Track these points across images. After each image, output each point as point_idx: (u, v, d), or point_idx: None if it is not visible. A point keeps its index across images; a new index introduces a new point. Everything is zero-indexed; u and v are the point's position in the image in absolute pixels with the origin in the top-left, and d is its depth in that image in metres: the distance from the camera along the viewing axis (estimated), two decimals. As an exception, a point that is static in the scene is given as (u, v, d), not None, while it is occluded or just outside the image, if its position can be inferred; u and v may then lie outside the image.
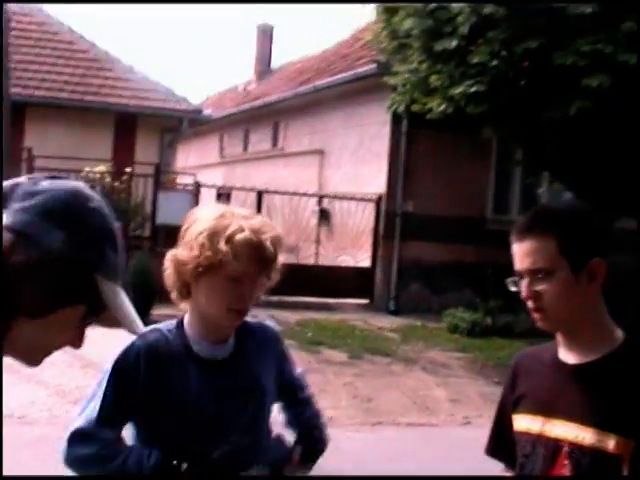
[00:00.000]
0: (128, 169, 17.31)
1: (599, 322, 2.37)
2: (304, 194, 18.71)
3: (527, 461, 2.40)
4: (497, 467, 2.66)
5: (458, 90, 12.51)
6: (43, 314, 1.38)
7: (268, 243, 2.53)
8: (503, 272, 2.39)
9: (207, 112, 21.81)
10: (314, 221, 18.75)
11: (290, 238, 16.41)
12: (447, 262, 17.51)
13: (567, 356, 2.39)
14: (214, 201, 18.30)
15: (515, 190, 18.56)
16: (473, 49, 12.18)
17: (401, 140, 17.36)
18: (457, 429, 9.53)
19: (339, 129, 19.83)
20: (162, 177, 17.87)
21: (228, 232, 2.50)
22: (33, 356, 1.46)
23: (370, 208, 17.93)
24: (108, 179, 16.79)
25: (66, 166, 15.00)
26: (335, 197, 18.64)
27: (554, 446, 2.32)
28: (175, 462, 2.54)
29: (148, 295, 13.23)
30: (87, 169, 16.38)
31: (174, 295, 2.66)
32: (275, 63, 31.70)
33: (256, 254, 2.52)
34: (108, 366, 2.63)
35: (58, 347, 1.47)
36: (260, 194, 18.27)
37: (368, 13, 15.98)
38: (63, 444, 2.64)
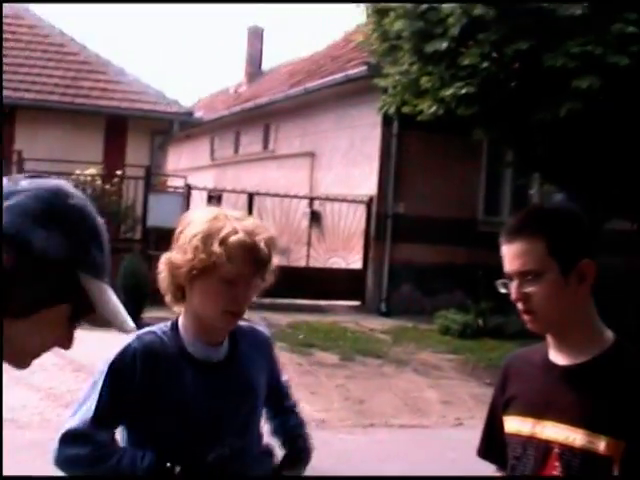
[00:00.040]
0: (119, 172, 17.27)
1: (589, 323, 2.37)
2: (295, 196, 18.70)
3: (518, 463, 2.40)
4: (489, 468, 2.67)
5: (449, 92, 12.53)
6: (27, 314, 1.37)
7: (262, 245, 2.53)
8: (494, 274, 2.39)
9: (198, 114, 21.77)
10: (305, 223, 18.74)
11: (281, 240, 16.35)
12: (438, 264, 17.52)
13: (557, 357, 2.38)
14: (205, 203, 18.30)
15: (506, 191, 18.59)
16: (464, 51, 12.20)
17: (392, 142, 17.37)
18: (449, 430, 9.54)
19: (330, 131, 19.83)
20: (153, 179, 17.84)
21: (222, 234, 2.49)
22: (21, 358, 1.44)
23: (361, 210, 17.93)
24: (99, 182, 16.76)
25: (57, 169, 14.96)
26: (326, 199, 18.63)
27: (545, 448, 2.32)
28: (169, 464, 2.53)
29: (139, 298, 13.21)
30: (78, 172, 16.35)
31: (169, 298, 2.65)
32: (266, 65, 31.71)
33: (250, 256, 2.51)
34: (103, 367, 2.62)
35: (47, 348, 1.45)
36: (251, 196, 18.26)
37: (359, 15, 15.96)
38: (54, 444, 2.63)
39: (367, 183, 17.91)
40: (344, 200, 18.09)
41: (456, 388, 11.43)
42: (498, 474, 2.60)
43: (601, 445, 2.21)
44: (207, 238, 2.50)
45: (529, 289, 2.29)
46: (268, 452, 2.87)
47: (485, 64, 12.02)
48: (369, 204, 17.77)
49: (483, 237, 15.84)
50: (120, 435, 2.70)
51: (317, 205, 19.14)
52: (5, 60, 16.67)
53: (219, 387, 2.66)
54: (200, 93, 64.01)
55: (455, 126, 14.22)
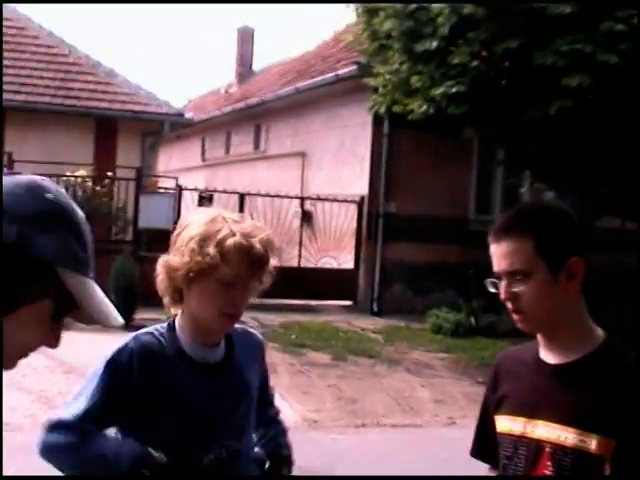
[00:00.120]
0: (109, 173, 17.26)
1: (579, 322, 2.36)
2: (286, 196, 18.69)
3: (509, 462, 2.39)
4: (482, 467, 2.66)
5: (439, 91, 12.55)
6: (5, 312, 1.35)
7: (259, 247, 2.52)
8: (485, 272, 2.39)
9: (189, 115, 21.76)
10: (297, 223, 18.73)
11: (273, 240, 16.34)
12: (430, 263, 17.53)
13: (548, 356, 2.38)
14: (196, 204, 18.30)
15: (497, 190, 18.60)
16: (453, 50, 12.22)
17: (383, 141, 17.38)
18: (441, 429, 9.55)
19: (321, 131, 19.83)
20: (144, 181, 17.82)
21: (218, 237, 2.49)
22: (6, 357, 1.41)
23: (352, 209, 17.93)
24: (89, 183, 16.74)
25: (47, 171, 14.91)
26: (317, 199, 18.62)
27: (536, 447, 2.31)
28: (151, 449, 2.51)
29: (131, 299, 13.21)
30: (68, 173, 16.33)
31: (166, 300, 2.64)
32: (256, 65, 31.69)
33: (247, 258, 2.51)
34: (99, 366, 2.59)
35: (32, 347, 1.43)
36: (242, 197, 18.25)
37: (349, 15, 15.98)
38: (41, 432, 2.61)
39: (358, 183, 17.91)
40: (335, 200, 18.09)
41: (448, 387, 11.44)
42: (491, 474, 2.59)
43: (592, 444, 2.21)
44: (204, 241, 2.49)
45: (518, 289, 2.28)
46: (258, 457, 2.87)
47: (475, 63, 12.04)
48: (360, 204, 17.78)
49: (474, 236, 15.82)
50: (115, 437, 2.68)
51: (308, 205, 19.12)
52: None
53: (216, 388, 2.66)
54: (191, 94, 63.90)
55: (446, 125, 14.23)
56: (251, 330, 2.94)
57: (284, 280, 2.82)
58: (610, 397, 2.23)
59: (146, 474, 2.46)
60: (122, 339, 2.65)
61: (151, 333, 2.68)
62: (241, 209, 17.23)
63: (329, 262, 18.33)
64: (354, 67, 17.24)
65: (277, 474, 2.88)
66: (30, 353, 1.44)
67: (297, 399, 10.29)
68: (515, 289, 2.29)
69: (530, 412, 2.35)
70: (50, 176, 13.89)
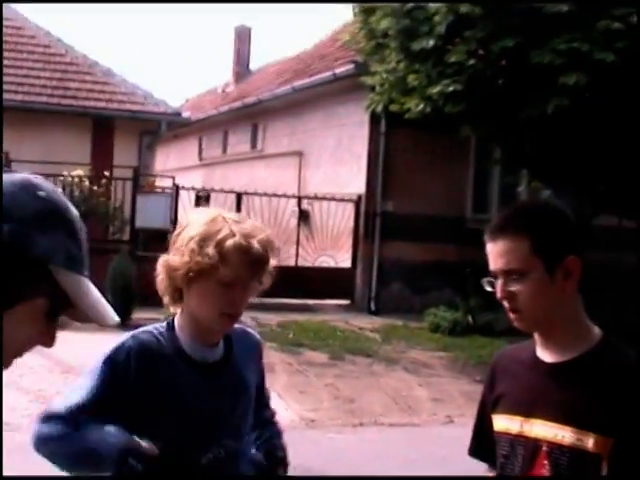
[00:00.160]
0: (107, 173, 17.25)
1: (576, 320, 2.36)
2: (283, 195, 18.68)
3: (507, 462, 2.39)
4: (480, 466, 2.66)
5: (436, 89, 12.54)
6: (1, 309, 1.35)
7: (259, 247, 2.52)
8: (483, 271, 2.38)
9: (186, 114, 21.75)
10: (294, 222, 18.72)
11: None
12: (427, 261, 17.52)
13: (544, 355, 2.38)
14: (193, 204, 18.29)
15: (494, 189, 18.60)
16: (450, 48, 12.21)
17: (380, 140, 17.38)
18: (439, 428, 9.55)
19: (318, 130, 19.83)
20: (141, 180, 17.81)
21: (218, 237, 2.48)
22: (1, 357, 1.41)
23: (350, 208, 17.93)
24: (87, 183, 16.73)
25: (44, 170, 14.90)
26: (315, 198, 18.62)
27: (533, 446, 2.31)
28: (139, 439, 2.48)
29: (128, 298, 13.21)
30: (65, 173, 16.31)
31: (166, 300, 2.64)
32: (253, 65, 31.69)
33: (247, 259, 2.50)
34: (97, 362, 2.59)
35: (27, 346, 1.43)
36: (239, 196, 18.24)
37: (346, 14, 15.98)
38: (34, 424, 2.60)
39: (355, 181, 17.91)
40: (332, 199, 18.09)
41: (446, 386, 11.44)
42: (489, 473, 2.59)
43: (589, 442, 2.21)
44: (203, 241, 2.49)
45: (514, 288, 2.28)
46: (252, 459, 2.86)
47: (472, 61, 12.04)
48: (357, 202, 17.78)
49: (472, 234, 15.77)
50: None
51: (305, 204, 19.12)
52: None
53: (216, 387, 2.66)
54: (188, 93, 64.00)
55: (443, 124, 14.22)
56: (249, 330, 2.94)
57: (281, 279, 2.82)
58: (607, 395, 2.22)
59: (133, 464, 2.42)
60: (121, 337, 2.65)
61: (150, 332, 2.68)
62: (238, 208, 17.22)
63: (326, 261, 18.32)
64: (351, 66, 17.24)
65: (273, 476, 2.88)
66: (25, 352, 1.44)
67: (294, 398, 10.29)
68: (511, 288, 2.28)
69: (527, 411, 2.35)
70: (47, 176, 13.85)
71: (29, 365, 9.89)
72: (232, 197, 18.20)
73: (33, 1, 20.68)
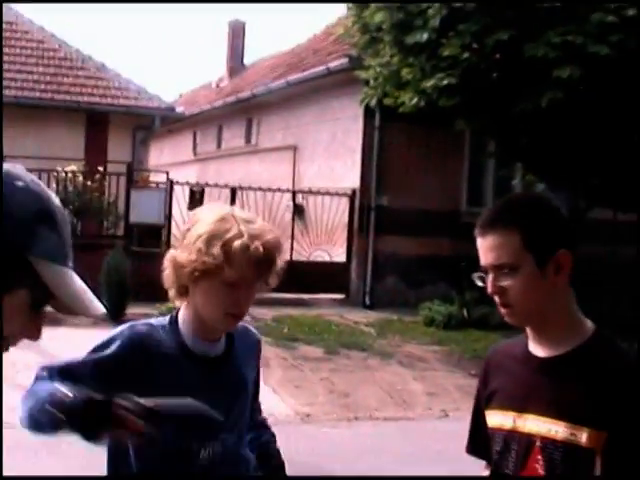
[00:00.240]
0: (100, 168, 17.22)
1: (568, 315, 2.34)
2: (278, 190, 18.66)
3: (501, 457, 2.38)
4: (475, 460, 2.66)
5: (430, 83, 12.54)
6: None
7: (266, 249, 2.50)
8: (478, 265, 2.37)
9: (180, 109, 21.74)
10: (288, 217, 18.70)
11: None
12: (422, 255, 17.52)
13: (537, 349, 2.36)
14: (187, 199, 18.27)
15: (489, 182, 18.60)
16: (444, 42, 12.20)
17: (374, 134, 17.36)
18: (434, 422, 9.56)
19: (312, 124, 19.81)
20: (135, 175, 17.78)
21: (226, 237, 2.46)
22: None
23: (344, 203, 17.92)
24: (80, 178, 16.70)
25: (37, 166, 14.88)
26: (309, 192, 18.60)
27: (527, 441, 2.30)
28: (61, 385, 2.30)
29: (122, 294, 13.19)
30: (59, 169, 16.29)
31: (172, 293, 2.64)
32: (247, 59, 31.67)
33: (253, 260, 2.48)
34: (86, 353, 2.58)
35: (12, 340, 1.41)
36: (234, 191, 18.22)
37: (339, 8, 15.97)
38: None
39: (350, 176, 17.90)
40: (327, 193, 18.08)
41: (441, 379, 11.45)
42: (487, 470, 2.57)
43: (583, 437, 2.19)
44: (211, 240, 2.47)
45: (505, 283, 2.27)
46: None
47: (466, 55, 12.03)
48: (352, 197, 17.77)
49: (466, 228, 15.56)
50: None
51: (300, 198, 19.10)
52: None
53: (216, 382, 2.65)
54: (182, 88, 63.96)
55: (437, 117, 14.22)
56: (250, 327, 2.93)
57: (276, 274, 2.80)
58: (600, 389, 2.21)
59: (54, 412, 2.23)
60: (118, 327, 2.64)
61: (150, 324, 2.68)
62: (232, 203, 17.19)
63: (321, 255, 18.31)
64: (345, 60, 17.22)
65: (270, 476, 2.88)
66: (11, 346, 1.42)
67: (289, 393, 10.29)
68: (502, 283, 2.27)
69: (520, 406, 2.34)
70: (41, 171, 13.92)
71: (24, 362, 9.85)
72: (226, 192, 18.17)
73: (33, 1, 20.61)
